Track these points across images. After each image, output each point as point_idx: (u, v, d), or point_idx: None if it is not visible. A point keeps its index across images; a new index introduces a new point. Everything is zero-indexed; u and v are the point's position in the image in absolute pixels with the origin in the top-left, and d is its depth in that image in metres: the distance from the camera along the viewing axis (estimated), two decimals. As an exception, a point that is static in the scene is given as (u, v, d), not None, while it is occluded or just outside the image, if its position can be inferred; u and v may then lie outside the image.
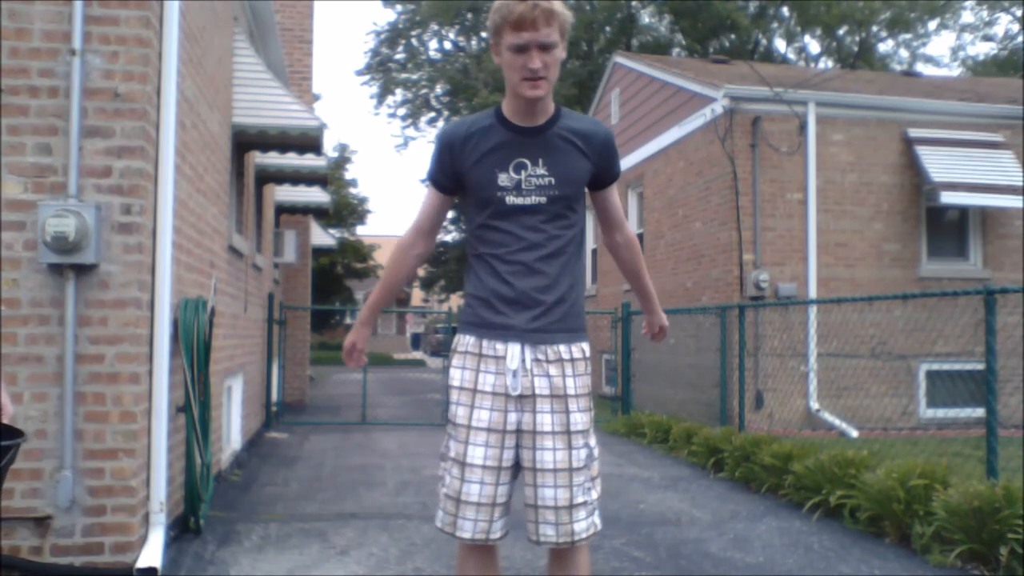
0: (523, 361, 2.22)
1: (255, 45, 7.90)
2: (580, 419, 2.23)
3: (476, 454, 2.22)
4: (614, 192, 2.42)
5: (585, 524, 2.22)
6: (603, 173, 2.34)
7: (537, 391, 2.22)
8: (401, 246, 2.41)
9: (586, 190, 2.36)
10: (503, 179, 2.25)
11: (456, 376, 2.30)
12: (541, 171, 2.24)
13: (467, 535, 2.23)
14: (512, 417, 2.23)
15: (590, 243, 12.90)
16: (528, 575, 3.86)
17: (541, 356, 2.23)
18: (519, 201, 2.25)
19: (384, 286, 2.45)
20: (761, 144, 9.59)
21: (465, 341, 2.30)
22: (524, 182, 2.24)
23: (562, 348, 2.24)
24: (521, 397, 2.22)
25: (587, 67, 25.03)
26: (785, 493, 5.55)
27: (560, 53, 2.19)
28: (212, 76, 5.23)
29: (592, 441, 2.27)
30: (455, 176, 2.30)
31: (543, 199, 2.24)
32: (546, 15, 2.12)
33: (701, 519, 5.03)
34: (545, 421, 2.21)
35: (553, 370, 2.22)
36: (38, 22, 3.55)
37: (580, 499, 2.21)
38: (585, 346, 2.31)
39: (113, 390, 3.56)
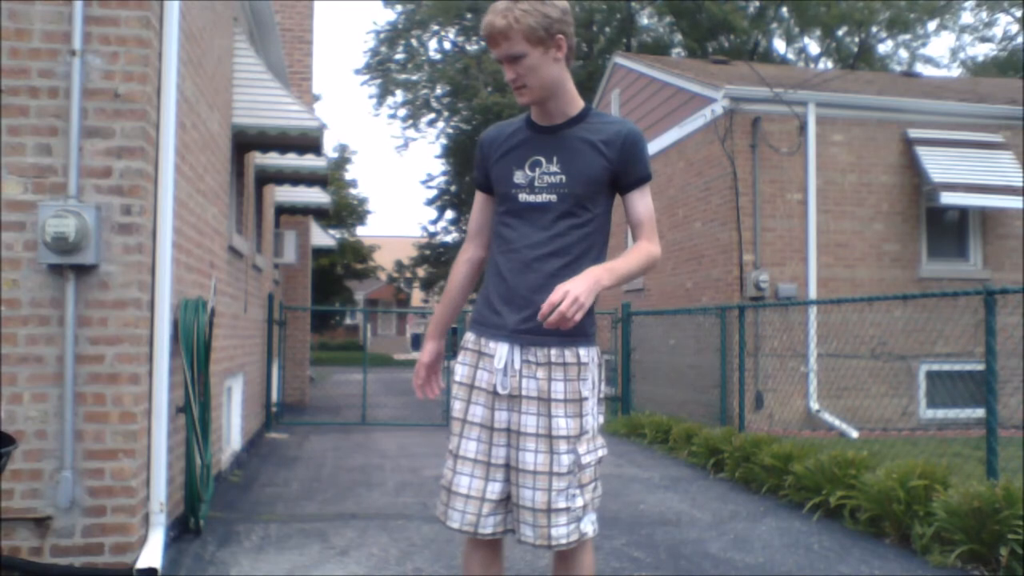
0: (512, 361, 2.23)
1: (255, 45, 7.91)
2: (565, 424, 2.18)
3: (468, 448, 2.26)
4: (638, 198, 2.27)
5: (565, 530, 2.18)
6: (623, 173, 2.25)
7: (524, 392, 2.21)
8: (460, 254, 2.51)
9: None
10: (518, 176, 2.29)
11: (458, 371, 2.34)
12: (554, 168, 2.25)
13: (455, 525, 2.26)
14: (502, 415, 2.24)
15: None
16: (528, 575, 3.85)
17: (531, 358, 2.22)
18: (531, 199, 2.26)
19: (443, 296, 2.52)
20: (761, 144, 9.59)
21: (467, 338, 2.35)
22: (537, 179, 2.26)
23: (553, 352, 2.21)
24: (511, 397, 2.23)
25: (587, 68, 25.04)
26: (785, 493, 5.55)
27: (538, 58, 2.18)
28: (212, 76, 5.23)
29: (583, 448, 2.20)
30: (488, 174, 2.39)
31: (553, 197, 2.24)
32: (501, 32, 2.16)
33: (701, 519, 5.03)
34: (528, 423, 2.20)
35: (541, 373, 2.21)
36: (38, 22, 3.55)
37: (560, 504, 2.17)
38: (584, 351, 2.24)
39: (113, 390, 3.56)
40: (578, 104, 2.30)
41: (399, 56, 29.15)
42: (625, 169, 2.25)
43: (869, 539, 4.57)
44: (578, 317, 1.99)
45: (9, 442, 2.20)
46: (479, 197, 2.47)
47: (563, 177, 2.24)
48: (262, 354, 8.88)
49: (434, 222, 31.79)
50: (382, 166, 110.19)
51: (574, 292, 1.99)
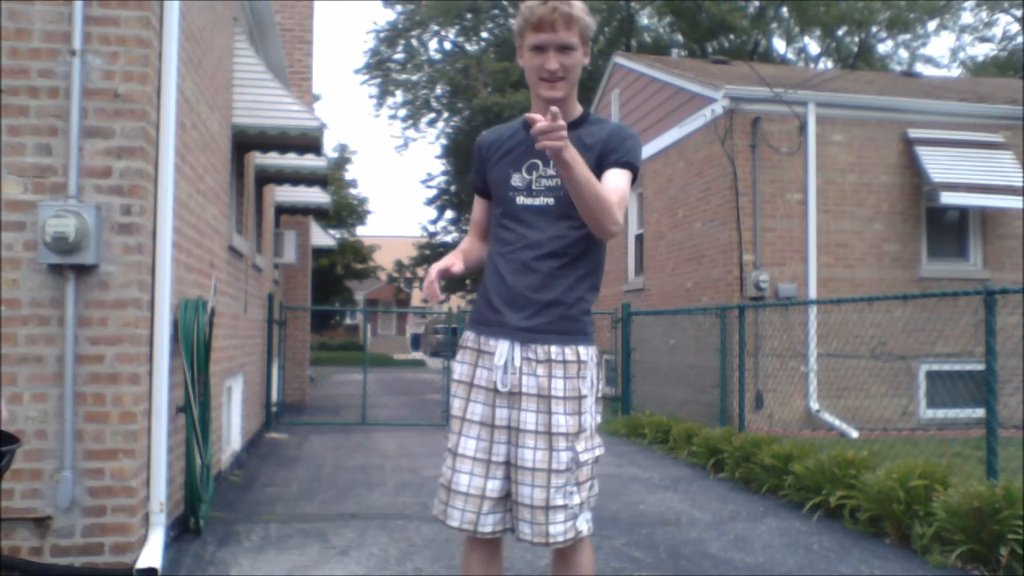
0: (512, 359, 2.24)
1: (255, 45, 7.90)
2: (564, 421, 2.20)
3: (468, 446, 2.26)
4: (610, 175, 2.21)
5: (562, 527, 2.19)
6: (605, 155, 2.23)
7: (524, 389, 2.23)
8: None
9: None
10: (515, 179, 2.30)
11: (456, 370, 2.36)
12: (552, 172, 2.26)
13: (455, 524, 2.26)
14: (502, 413, 2.25)
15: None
16: (528, 575, 3.85)
17: (532, 355, 2.23)
18: (528, 202, 2.28)
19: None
20: (761, 144, 9.58)
21: (467, 336, 2.36)
22: (535, 183, 2.28)
23: (554, 349, 2.23)
24: (511, 394, 2.24)
25: (587, 68, 25.02)
26: (785, 493, 5.55)
27: (580, 57, 2.22)
28: (212, 76, 5.23)
29: (581, 445, 2.22)
30: (485, 178, 2.40)
31: (551, 200, 2.26)
32: (565, 18, 2.17)
33: (701, 519, 5.03)
34: (528, 420, 2.21)
35: (541, 370, 2.22)
36: (38, 22, 3.55)
37: (559, 502, 2.18)
38: (584, 349, 2.26)
39: (113, 390, 3.56)
40: (578, 109, 2.33)
41: (399, 56, 29.16)
42: (608, 150, 2.25)
43: (869, 539, 4.57)
44: (558, 134, 1.90)
45: (12, 441, 2.20)
46: (478, 201, 2.48)
47: (559, 180, 2.24)
48: (262, 354, 8.88)
49: (434, 222, 31.84)
50: (382, 166, 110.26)
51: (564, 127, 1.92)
